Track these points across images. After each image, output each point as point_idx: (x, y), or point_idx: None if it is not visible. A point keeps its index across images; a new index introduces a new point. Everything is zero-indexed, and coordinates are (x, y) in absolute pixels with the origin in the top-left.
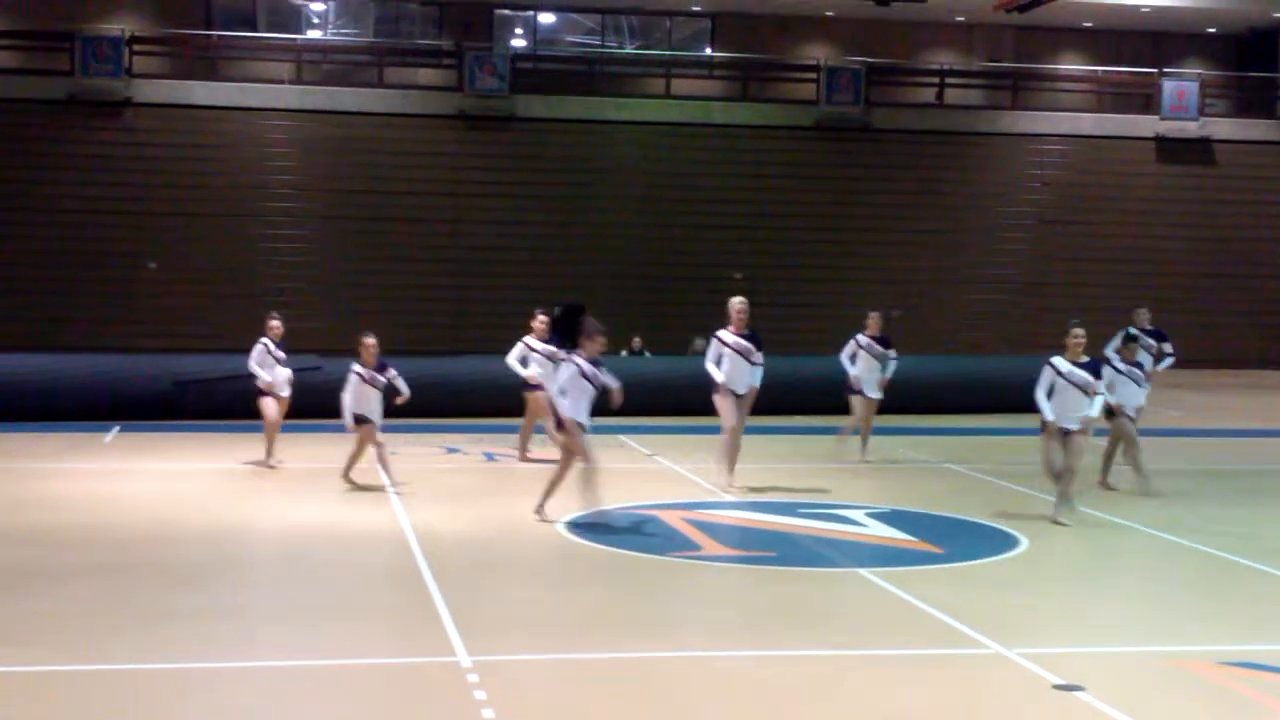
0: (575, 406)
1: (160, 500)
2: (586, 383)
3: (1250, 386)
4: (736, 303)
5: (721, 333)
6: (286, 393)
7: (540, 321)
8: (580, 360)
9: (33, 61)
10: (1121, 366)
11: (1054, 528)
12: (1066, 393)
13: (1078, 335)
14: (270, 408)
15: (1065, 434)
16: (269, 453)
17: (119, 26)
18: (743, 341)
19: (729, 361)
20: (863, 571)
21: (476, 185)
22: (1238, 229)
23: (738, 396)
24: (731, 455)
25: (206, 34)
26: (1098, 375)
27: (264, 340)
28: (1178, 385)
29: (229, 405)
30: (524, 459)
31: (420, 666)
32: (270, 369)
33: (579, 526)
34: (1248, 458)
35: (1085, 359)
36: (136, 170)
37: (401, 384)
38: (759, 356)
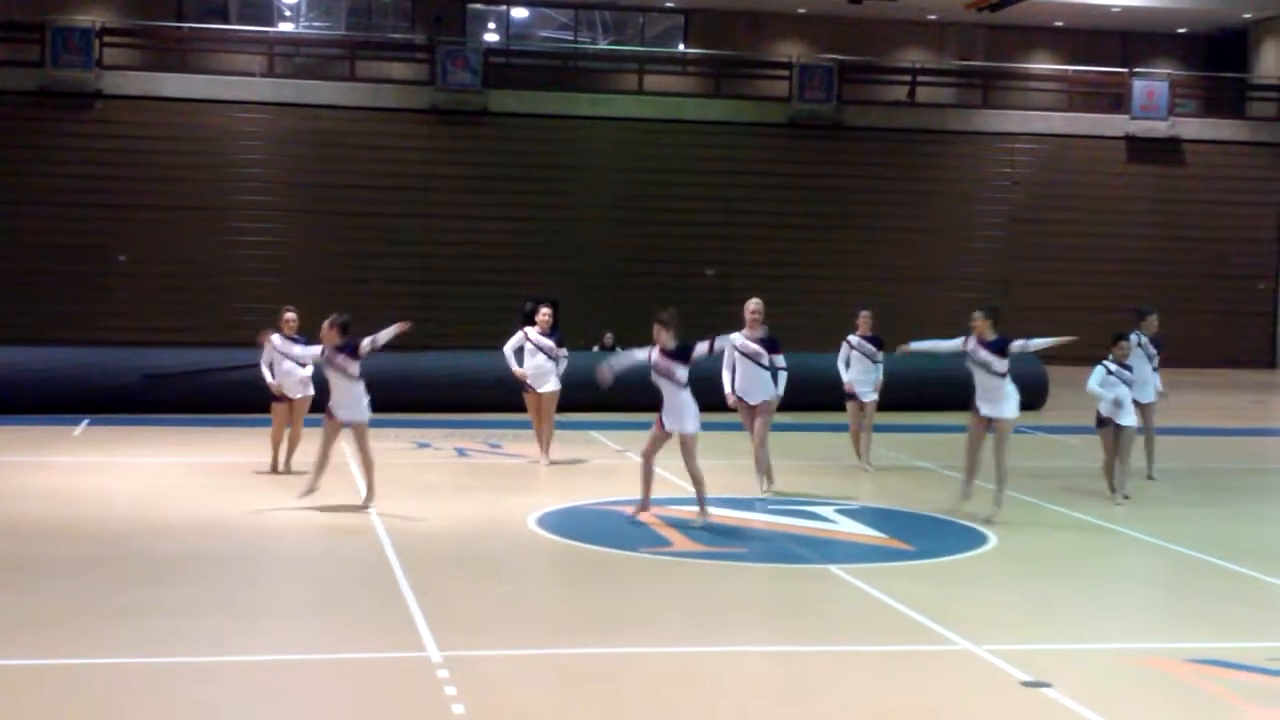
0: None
1: (132, 494)
2: (657, 375)
3: (1219, 385)
4: (750, 304)
5: (734, 335)
6: (297, 394)
7: (544, 315)
8: (653, 353)
9: (2, 53)
10: (1112, 367)
11: (1025, 525)
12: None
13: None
14: (274, 413)
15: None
16: (273, 461)
17: (90, 18)
18: (751, 345)
19: (739, 367)
20: (833, 568)
21: (448, 180)
22: (1207, 228)
23: (751, 407)
24: (759, 465)
25: (178, 26)
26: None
27: (273, 335)
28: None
29: (200, 399)
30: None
31: (391, 662)
32: (279, 367)
33: (550, 522)
34: (1218, 456)
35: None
36: (107, 163)
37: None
38: (772, 360)
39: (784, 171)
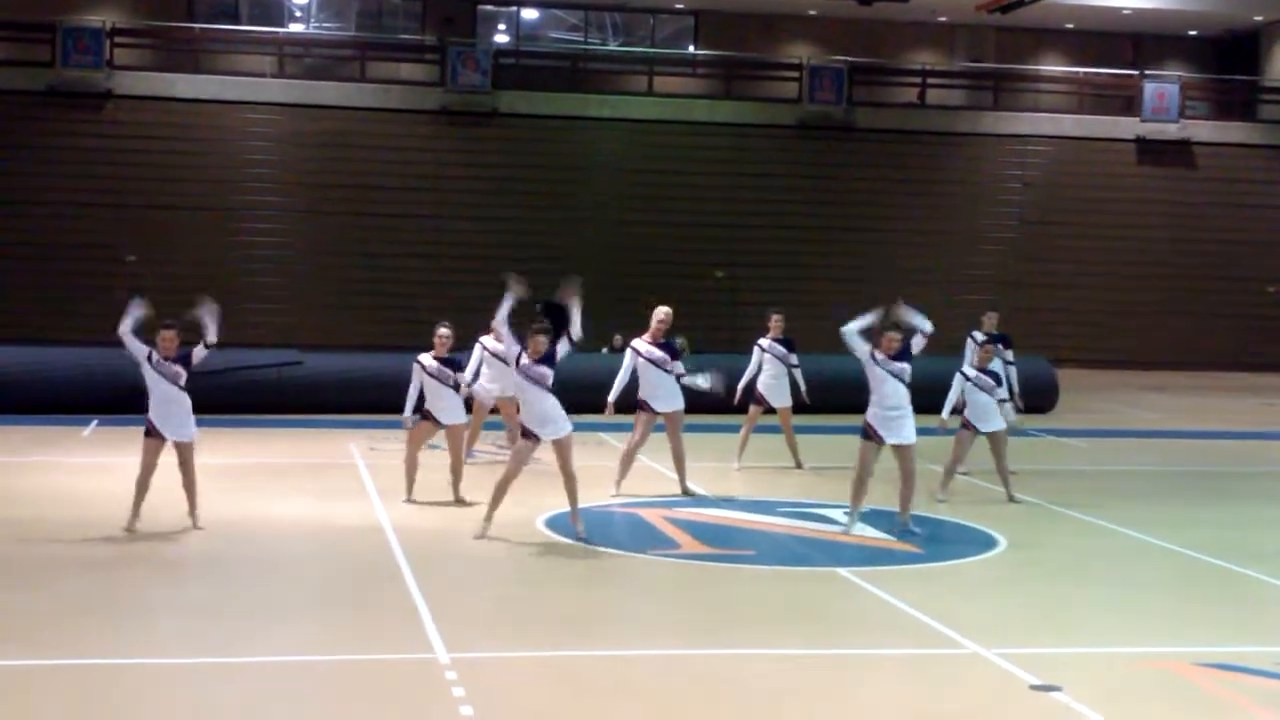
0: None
1: None
2: (526, 381)
3: (1228, 388)
4: (659, 311)
5: (635, 342)
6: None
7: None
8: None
9: (12, 53)
10: (971, 374)
11: (1035, 528)
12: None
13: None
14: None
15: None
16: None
17: (100, 18)
18: (657, 352)
19: (645, 374)
20: (841, 571)
21: (458, 181)
22: (1217, 231)
23: (656, 413)
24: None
25: (188, 26)
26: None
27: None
28: (1154, 387)
29: (210, 400)
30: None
31: (399, 663)
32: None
33: (558, 524)
34: (1225, 459)
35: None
36: (117, 163)
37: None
38: (674, 366)
39: (793, 173)
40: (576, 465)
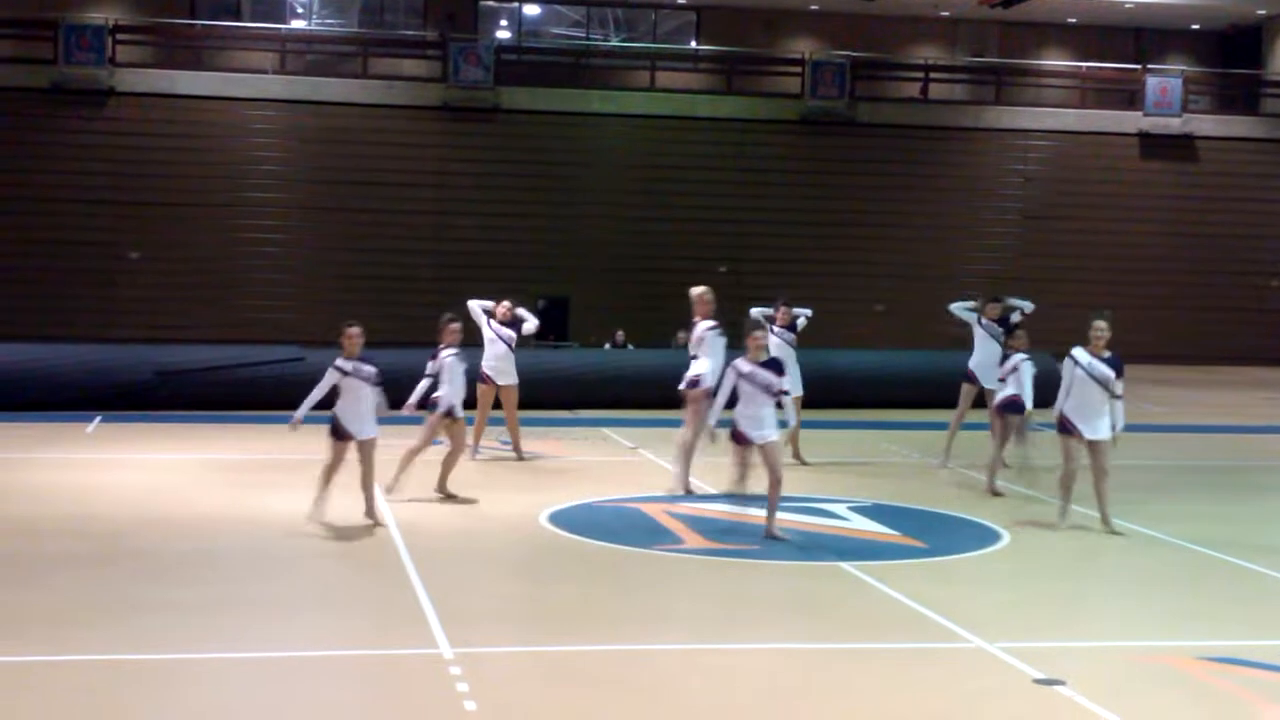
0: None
1: (143, 491)
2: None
3: (1231, 383)
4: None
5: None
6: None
7: (505, 307)
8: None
9: (15, 50)
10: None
11: (1034, 524)
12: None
13: (1099, 328)
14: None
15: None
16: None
17: (102, 15)
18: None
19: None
20: (844, 565)
21: (460, 177)
22: (1219, 225)
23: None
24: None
25: (190, 23)
26: (1120, 373)
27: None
28: (1157, 380)
29: (213, 396)
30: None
31: (403, 658)
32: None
33: (562, 519)
34: (1229, 453)
35: (1107, 354)
36: (119, 160)
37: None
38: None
39: (796, 168)
40: (580, 460)
